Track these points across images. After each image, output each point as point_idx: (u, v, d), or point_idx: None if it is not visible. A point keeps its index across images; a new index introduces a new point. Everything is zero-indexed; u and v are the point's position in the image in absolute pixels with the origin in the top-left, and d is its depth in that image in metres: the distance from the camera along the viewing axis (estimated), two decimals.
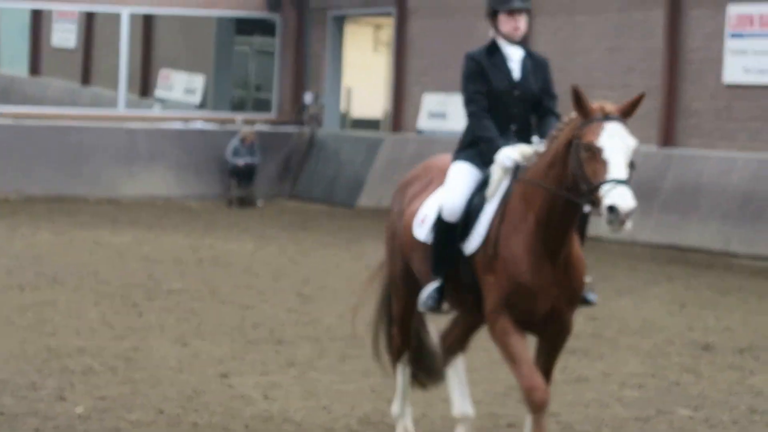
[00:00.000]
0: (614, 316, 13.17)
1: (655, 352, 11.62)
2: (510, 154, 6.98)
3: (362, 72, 29.68)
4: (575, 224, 6.79)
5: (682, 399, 9.69)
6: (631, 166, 6.44)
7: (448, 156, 7.52)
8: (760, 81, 19.71)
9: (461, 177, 7.19)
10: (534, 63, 7.19)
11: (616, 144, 6.40)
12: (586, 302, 7.07)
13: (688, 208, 19.97)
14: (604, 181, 6.32)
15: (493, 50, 7.17)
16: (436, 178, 7.43)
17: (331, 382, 9.64)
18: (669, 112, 21.03)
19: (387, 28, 28.39)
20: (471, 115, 7.24)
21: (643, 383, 10.20)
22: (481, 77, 7.13)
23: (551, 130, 6.88)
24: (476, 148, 7.21)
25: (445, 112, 24.43)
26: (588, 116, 6.52)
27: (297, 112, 28.21)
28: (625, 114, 6.55)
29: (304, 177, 28.09)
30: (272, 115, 29.15)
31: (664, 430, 8.78)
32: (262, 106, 30.16)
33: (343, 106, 29.42)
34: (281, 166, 28.05)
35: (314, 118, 27.95)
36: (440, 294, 7.08)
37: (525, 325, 6.80)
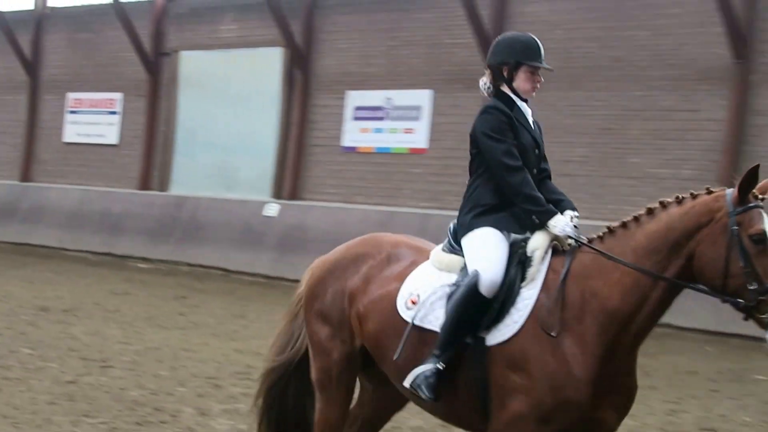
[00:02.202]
0: None
1: (11, 312, 15.12)
2: (569, 223, 6.15)
3: None
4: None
5: (25, 343, 12.66)
6: None
7: (391, 234, 7.00)
8: None
9: (495, 245, 6.16)
10: (536, 123, 6.59)
11: None
12: None
13: None
14: None
15: (511, 104, 6.41)
16: (402, 255, 6.61)
17: None
18: None
19: None
20: (510, 170, 6.21)
21: (2, 332, 13.24)
22: (511, 131, 6.32)
23: (656, 205, 5.96)
24: (504, 211, 6.29)
25: None
26: (747, 200, 5.66)
27: None
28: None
29: None
30: None
31: (13, 363, 11.38)
32: None
33: None
34: None
35: None
36: (437, 379, 5.94)
37: None
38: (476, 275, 5.93)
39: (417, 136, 22.56)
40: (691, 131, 19.25)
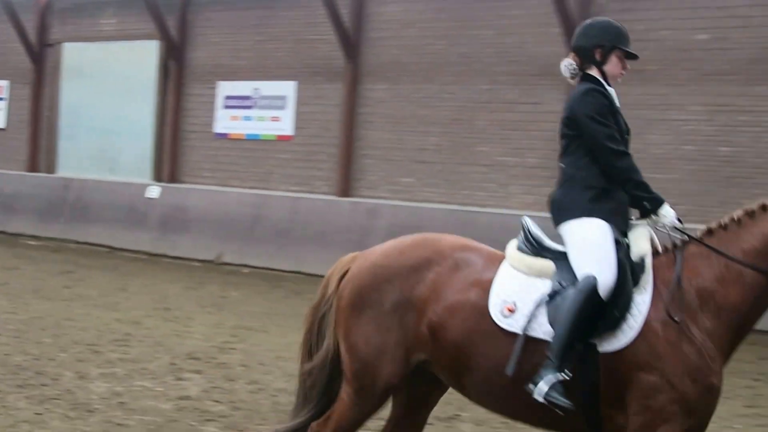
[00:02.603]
0: None
1: None
2: (673, 214, 5.96)
3: None
4: None
5: None
6: None
7: (443, 234, 6.43)
8: None
9: (611, 246, 5.83)
10: None
11: None
12: None
13: None
14: None
15: (604, 88, 6.12)
16: (470, 259, 6.14)
17: None
18: None
19: None
20: (617, 155, 5.97)
21: None
22: (611, 116, 6.10)
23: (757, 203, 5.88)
24: (614, 200, 6.03)
25: None
26: None
27: None
28: None
29: None
30: None
31: None
32: None
33: None
34: None
35: None
36: (563, 389, 5.57)
37: None
38: (593, 279, 5.62)
39: (283, 124, 22.77)
40: (533, 122, 19.40)
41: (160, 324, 14.08)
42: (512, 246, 6.12)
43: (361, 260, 6.23)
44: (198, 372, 11.09)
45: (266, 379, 11.06)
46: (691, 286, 5.68)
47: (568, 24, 18.29)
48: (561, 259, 5.93)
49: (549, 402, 5.52)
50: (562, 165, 6.16)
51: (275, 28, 23.05)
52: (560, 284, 5.79)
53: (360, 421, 6.09)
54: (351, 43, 21.56)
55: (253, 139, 23.35)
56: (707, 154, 17.97)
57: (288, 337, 13.14)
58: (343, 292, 6.13)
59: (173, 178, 24.39)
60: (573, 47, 6.25)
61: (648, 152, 17.49)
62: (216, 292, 18.03)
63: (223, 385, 10.56)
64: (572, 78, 6.26)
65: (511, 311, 5.76)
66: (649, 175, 17.89)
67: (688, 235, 5.88)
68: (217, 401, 9.81)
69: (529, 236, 6.08)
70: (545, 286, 5.83)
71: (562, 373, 5.52)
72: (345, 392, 6.08)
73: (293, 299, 17.46)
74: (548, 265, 5.93)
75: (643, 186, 5.94)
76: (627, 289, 5.63)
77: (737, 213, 5.83)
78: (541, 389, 5.51)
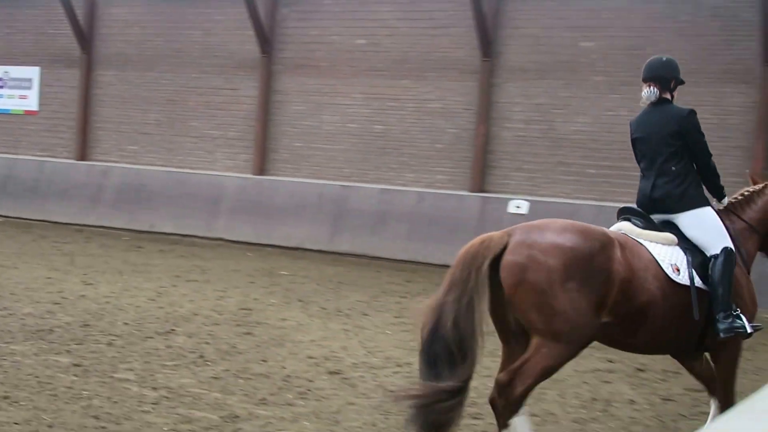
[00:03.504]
0: None
1: None
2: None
3: None
4: None
5: None
6: None
7: (574, 221, 6.09)
8: None
9: (721, 222, 6.53)
10: None
11: None
12: None
13: None
14: None
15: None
16: (619, 237, 6.09)
17: None
18: None
19: None
20: (711, 158, 6.61)
21: None
22: None
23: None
24: (701, 187, 6.64)
25: None
26: None
27: None
28: None
29: None
30: None
31: None
32: None
33: None
34: None
35: None
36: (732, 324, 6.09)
37: None
38: (731, 249, 6.22)
39: (30, 101, 22.52)
40: (233, 104, 19.99)
41: None
42: (630, 226, 6.42)
43: (542, 244, 5.76)
44: None
45: (16, 306, 10.85)
46: (743, 241, 6.70)
47: (260, 28, 19.35)
48: (674, 230, 6.41)
49: (742, 332, 6.07)
50: (673, 167, 6.45)
51: (23, 23, 22.58)
52: (687, 250, 6.24)
53: (556, 369, 5.80)
54: (85, 37, 21.69)
55: (4, 113, 22.95)
56: (365, 130, 18.73)
57: (34, 273, 13.46)
58: (538, 270, 5.66)
59: None
60: (653, 77, 6.60)
61: (322, 128, 19.16)
62: None
63: None
64: (651, 102, 6.64)
65: (678, 270, 6.02)
66: (323, 146, 20.29)
67: (734, 212, 6.85)
68: None
69: (641, 219, 6.47)
70: (678, 251, 6.20)
71: (740, 316, 6.11)
72: (545, 347, 5.66)
73: (40, 242, 17.46)
74: (671, 236, 6.29)
75: (720, 178, 6.70)
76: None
77: (748, 189, 6.96)
78: (724, 328, 5.99)
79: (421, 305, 5.82)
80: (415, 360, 8.05)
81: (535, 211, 16.30)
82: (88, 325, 10.15)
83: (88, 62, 21.93)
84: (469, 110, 18.00)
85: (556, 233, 5.81)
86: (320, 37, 19.23)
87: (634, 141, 6.79)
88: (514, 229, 5.91)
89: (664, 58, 6.70)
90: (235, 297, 12.60)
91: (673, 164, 6.43)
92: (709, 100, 15.49)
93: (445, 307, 5.67)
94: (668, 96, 6.62)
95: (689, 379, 8.57)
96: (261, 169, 19.91)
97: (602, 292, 5.72)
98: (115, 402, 7.16)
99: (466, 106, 18.04)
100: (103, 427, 6.52)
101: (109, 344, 9.25)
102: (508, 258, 5.73)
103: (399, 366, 9.04)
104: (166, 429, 6.60)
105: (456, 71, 18.06)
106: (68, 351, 8.85)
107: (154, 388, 7.66)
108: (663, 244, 6.22)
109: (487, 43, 17.58)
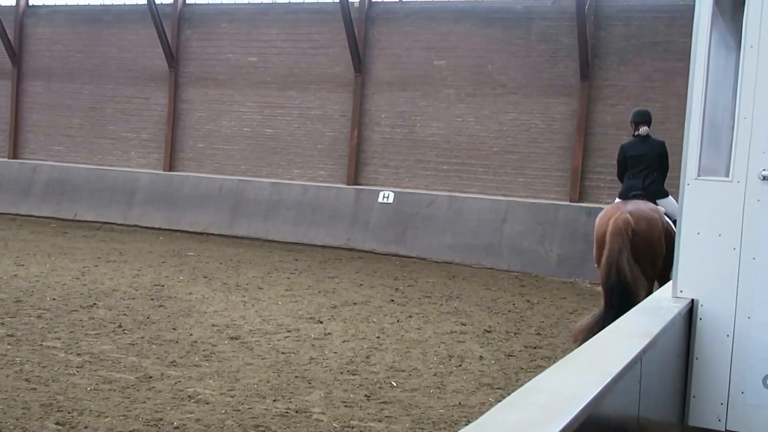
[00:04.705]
0: None
1: None
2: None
3: None
4: None
5: None
6: None
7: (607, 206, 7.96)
8: None
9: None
10: None
11: None
12: None
13: None
14: None
15: None
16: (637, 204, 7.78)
17: None
18: None
19: None
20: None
21: None
22: None
23: None
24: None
25: None
26: None
27: None
28: None
29: None
30: None
31: None
32: None
33: None
34: None
35: None
36: None
37: None
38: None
39: None
40: (145, 111, 19.61)
41: None
42: (646, 201, 7.86)
43: (639, 216, 7.37)
44: None
45: None
46: None
47: (167, 47, 18.99)
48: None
49: None
50: (655, 173, 8.06)
51: None
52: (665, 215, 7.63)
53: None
54: (15, 53, 20.97)
55: None
56: (258, 133, 18.47)
57: None
58: (652, 230, 7.30)
59: None
60: (645, 120, 8.27)
61: (221, 132, 18.91)
62: None
63: None
64: (644, 133, 8.27)
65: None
66: (223, 146, 19.92)
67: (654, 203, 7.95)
68: None
69: (646, 198, 7.88)
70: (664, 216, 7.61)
71: None
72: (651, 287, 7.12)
73: None
74: (662, 208, 7.82)
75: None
76: None
77: None
78: None
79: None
80: (302, 326, 8.21)
81: (400, 201, 16.73)
82: (20, 300, 9.92)
83: (18, 74, 21.37)
84: (345, 117, 17.95)
85: (638, 212, 7.37)
86: (219, 54, 19.04)
87: (627, 157, 8.19)
88: (624, 207, 7.47)
89: (647, 110, 8.43)
90: (149, 275, 12.44)
91: (655, 171, 8.06)
92: (538, 109, 15.84)
93: (620, 263, 6.97)
94: (647, 130, 8.27)
95: (529, 338, 9.12)
96: (170, 166, 19.61)
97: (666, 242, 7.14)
98: (44, 366, 7.07)
99: (342, 113, 17.99)
100: (33, 389, 6.46)
101: (39, 317, 9.08)
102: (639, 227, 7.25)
103: (289, 331, 9.01)
104: (89, 389, 6.55)
105: (333, 84, 18.00)
106: (2, 323, 8.65)
107: (79, 354, 7.55)
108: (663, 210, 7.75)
109: (358, 60, 17.66)
